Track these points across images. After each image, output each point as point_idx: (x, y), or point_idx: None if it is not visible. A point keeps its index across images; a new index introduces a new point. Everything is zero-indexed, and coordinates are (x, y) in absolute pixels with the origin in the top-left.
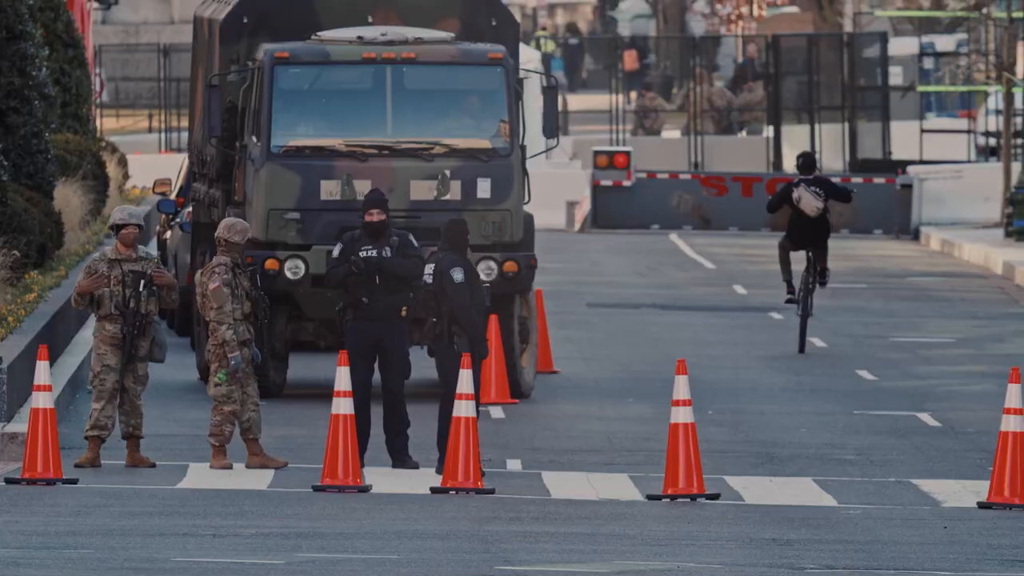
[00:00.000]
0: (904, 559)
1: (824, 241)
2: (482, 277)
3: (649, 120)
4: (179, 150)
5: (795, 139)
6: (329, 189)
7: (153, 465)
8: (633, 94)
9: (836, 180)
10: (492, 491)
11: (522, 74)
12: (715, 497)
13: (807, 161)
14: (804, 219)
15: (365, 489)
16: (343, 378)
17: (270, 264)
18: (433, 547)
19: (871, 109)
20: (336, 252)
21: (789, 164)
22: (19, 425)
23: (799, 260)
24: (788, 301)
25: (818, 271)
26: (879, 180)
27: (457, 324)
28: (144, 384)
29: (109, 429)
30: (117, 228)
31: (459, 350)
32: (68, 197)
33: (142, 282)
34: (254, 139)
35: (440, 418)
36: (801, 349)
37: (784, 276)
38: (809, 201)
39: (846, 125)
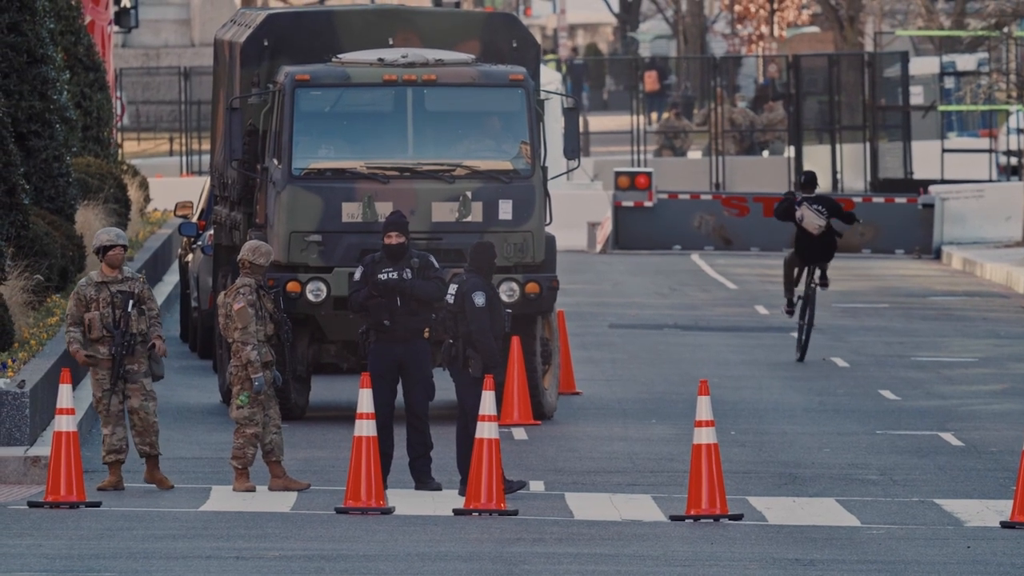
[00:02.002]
0: None
1: (829, 259)
2: (504, 298)
3: (679, 140)
4: (200, 173)
5: (816, 159)
6: (350, 211)
7: (171, 487)
8: (655, 115)
9: (857, 200)
10: (515, 512)
11: (543, 95)
12: (738, 517)
13: (808, 179)
14: (809, 236)
15: (388, 511)
16: (365, 400)
17: (292, 287)
18: (456, 569)
19: (892, 129)
20: (357, 275)
21: None
22: (42, 448)
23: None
24: (788, 313)
25: (820, 273)
26: (900, 200)
27: (472, 347)
28: (154, 399)
29: (124, 451)
30: (104, 250)
31: (473, 374)
32: (90, 220)
33: (131, 302)
34: (275, 161)
35: (458, 440)
36: (801, 358)
37: (787, 294)
38: (812, 219)
39: (867, 145)
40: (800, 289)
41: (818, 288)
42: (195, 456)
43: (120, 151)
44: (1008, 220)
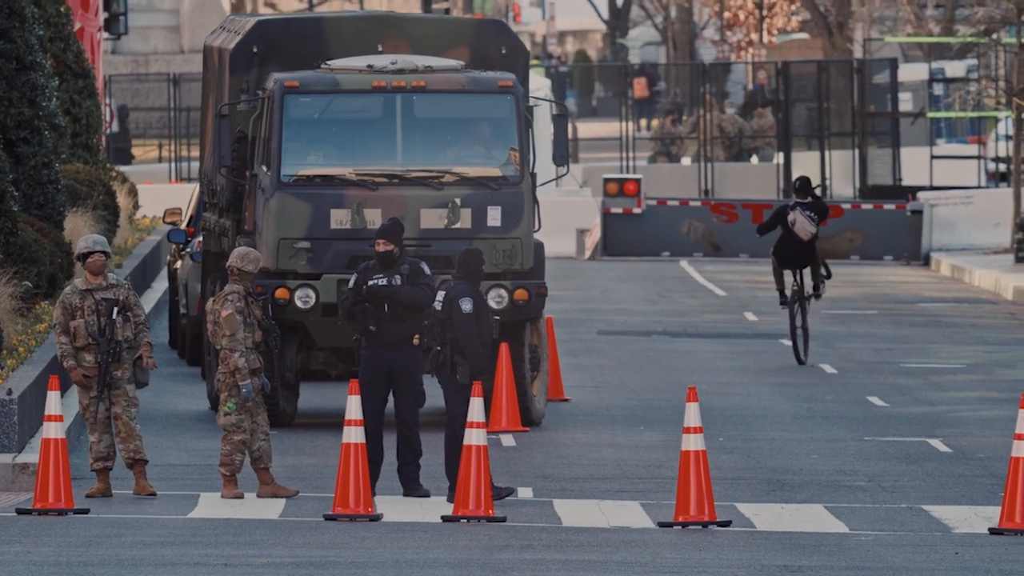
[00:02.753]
0: None
1: (811, 263)
2: (492, 305)
3: (675, 146)
4: (189, 180)
5: (805, 165)
6: (339, 218)
7: (154, 494)
8: (643, 121)
9: (846, 206)
10: (503, 519)
11: (532, 102)
12: (726, 524)
13: (803, 184)
14: (795, 241)
15: (376, 518)
16: (354, 407)
17: (281, 293)
18: (445, 575)
19: (881, 135)
20: (351, 282)
21: None
22: (30, 455)
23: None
24: (783, 304)
25: (813, 284)
26: (889, 206)
27: (460, 354)
28: (136, 406)
29: (112, 458)
30: (83, 257)
31: (461, 381)
32: (79, 227)
33: (115, 309)
34: (264, 168)
35: (446, 447)
36: (800, 361)
37: (778, 286)
38: (803, 225)
39: (856, 151)
40: (790, 287)
41: (812, 299)
42: (183, 463)
43: (131, 159)
44: (997, 226)
